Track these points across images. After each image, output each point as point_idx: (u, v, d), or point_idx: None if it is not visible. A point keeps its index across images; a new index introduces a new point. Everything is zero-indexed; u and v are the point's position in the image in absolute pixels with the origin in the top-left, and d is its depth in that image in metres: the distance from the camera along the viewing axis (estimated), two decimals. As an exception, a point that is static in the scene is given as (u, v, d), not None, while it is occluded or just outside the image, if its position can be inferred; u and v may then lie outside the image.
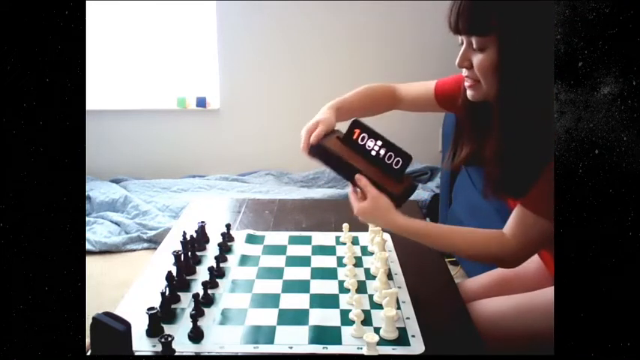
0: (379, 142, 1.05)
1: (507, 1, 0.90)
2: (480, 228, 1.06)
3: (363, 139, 1.06)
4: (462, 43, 0.99)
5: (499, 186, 1.00)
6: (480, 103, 1.03)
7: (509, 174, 0.97)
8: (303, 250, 1.24)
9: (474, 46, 0.95)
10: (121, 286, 2.20)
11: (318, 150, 1.05)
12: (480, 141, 1.05)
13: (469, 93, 1.02)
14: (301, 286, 1.08)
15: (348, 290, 1.03)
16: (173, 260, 1.12)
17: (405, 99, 1.26)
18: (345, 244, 1.23)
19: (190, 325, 0.91)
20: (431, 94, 1.22)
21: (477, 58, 0.96)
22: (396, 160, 1.05)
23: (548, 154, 0.80)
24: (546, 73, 0.78)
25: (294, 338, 0.91)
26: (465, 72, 1.01)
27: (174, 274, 1.05)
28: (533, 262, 1.26)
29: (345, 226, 1.27)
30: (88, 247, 2.58)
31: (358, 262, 1.18)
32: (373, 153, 1.05)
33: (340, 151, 1.05)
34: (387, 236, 1.29)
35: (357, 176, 1.02)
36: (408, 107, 1.28)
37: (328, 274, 1.13)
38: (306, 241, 1.29)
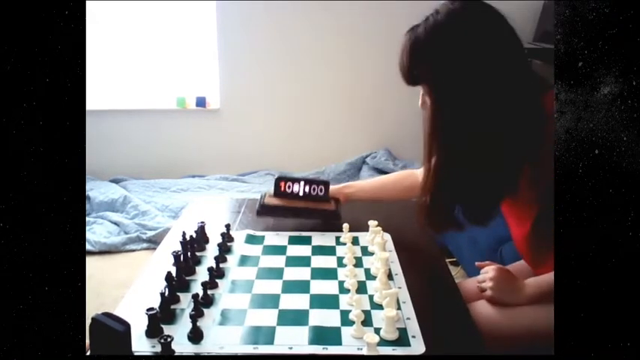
0: (301, 183, 1.38)
1: (436, 53, 1.01)
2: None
3: (289, 187, 1.38)
4: None
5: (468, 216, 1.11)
6: None
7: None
8: (303, 251, 1.24)
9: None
10: (121, 286, 2.20)
11: (263, 209, 1.37)
12: None
13: None
14: (301, 287, 1.08)
15: (348, 290, 1.03)
16: (173, 260, 1.12)
17: None
18: (345, 244, 1.23)
19: (190, 325, 0.91)
20: None
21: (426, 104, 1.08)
22: (319, 188, 1.37)
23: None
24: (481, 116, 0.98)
25: (294, 339, 0.91)
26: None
27: (174, 274, 1.05)
28: (533, 262, 1.26)
29: (345, 226, 1.27)
30: (88, 247, 2.58)
31: (358, 263, 1.17)
32: (301, 193, 1.38)
33: (279, 202, 1.38)
34: (387, 236, 1.29)
35: (480, 266, 1.17)
36: None
37: (328, 274, 1.13)
38: (306, 241, 1.29)
